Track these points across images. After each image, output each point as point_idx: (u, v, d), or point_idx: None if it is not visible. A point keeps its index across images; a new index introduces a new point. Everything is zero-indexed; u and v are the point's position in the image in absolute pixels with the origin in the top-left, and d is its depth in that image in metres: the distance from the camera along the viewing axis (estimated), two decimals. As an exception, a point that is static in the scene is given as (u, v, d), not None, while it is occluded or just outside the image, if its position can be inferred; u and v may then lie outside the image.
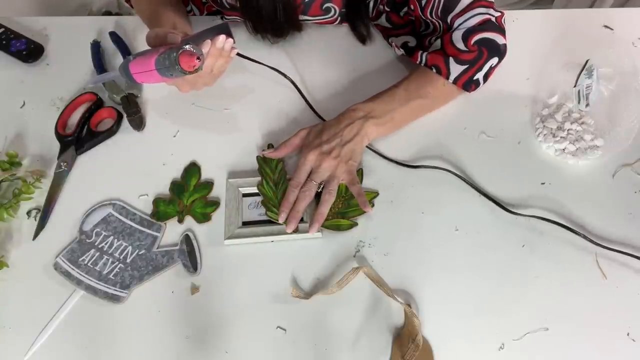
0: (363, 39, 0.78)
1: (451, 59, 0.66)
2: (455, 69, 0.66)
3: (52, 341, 0.55)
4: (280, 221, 0.61)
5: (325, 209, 0.61)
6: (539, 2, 1.61)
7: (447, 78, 0.67)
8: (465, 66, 0.66)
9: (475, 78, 0.67)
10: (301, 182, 0.62)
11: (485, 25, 0.65)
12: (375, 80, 0.73)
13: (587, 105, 0.67)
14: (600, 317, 0.56)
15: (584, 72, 0.67)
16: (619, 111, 0.70)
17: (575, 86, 0.68)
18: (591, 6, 1.44)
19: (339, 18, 0.77)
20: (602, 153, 0.67)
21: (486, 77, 0.68)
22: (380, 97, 0.67)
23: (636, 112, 0.69)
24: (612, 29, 0.80)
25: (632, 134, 0.67)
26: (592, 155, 0.66)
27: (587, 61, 0.67)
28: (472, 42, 0.65)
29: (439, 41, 0.69)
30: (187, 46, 0.53)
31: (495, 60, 0.67)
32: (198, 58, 0.54)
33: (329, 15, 0.76)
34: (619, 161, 0.67)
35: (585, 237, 0.60)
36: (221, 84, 0.75)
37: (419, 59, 0.69)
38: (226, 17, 0.79)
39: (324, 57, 0.78)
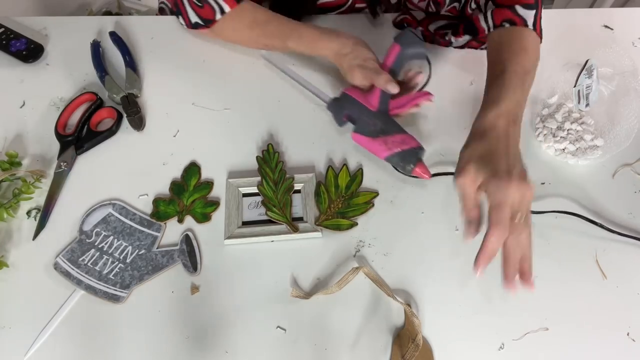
0: (374, 11, 0.78)
1: (518, 7, 0.63)
2: (528, 15, 0.63)
3: (52, 341, 0.55)
4: (478, 275, 0.50)
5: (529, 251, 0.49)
6: (539, 2, 1.61)
7: (526, 26, 0.63)
8: (534, 10, 0.63)
9: (541, 25, 0.64)
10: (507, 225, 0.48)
11: None
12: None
13: (587, 105, 0.67)
14: (600, 317, 0.56)
15: (584, 72, 0.67)
16: (619, 111, 0.70)
17: (575, 86, 0.68)
18: (591, 6, 1.44)
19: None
20: (602, 153, 0.67)
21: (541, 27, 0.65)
22: (500, 94, 0.57)
23: (636, 112, 0.69)
24: (612, 29, 0.80)
25: (632, 134, 0.67)
26: (592, 155, 0.66)
27: (587, 61, 0.67)
28: None
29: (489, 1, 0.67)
30: (421, 152, 0.62)
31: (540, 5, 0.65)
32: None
33: None
34: (619, 161, 0.67)
35: (601, 226, 0.61)
36: (221, 84, 0.75)
37: (483, 24, 0.66)
38: None
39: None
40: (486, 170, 0.50)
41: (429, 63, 0.66)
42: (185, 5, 0.70)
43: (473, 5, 0.71)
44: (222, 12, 0.69)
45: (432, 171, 0.63)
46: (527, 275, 0.48)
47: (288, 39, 0.68)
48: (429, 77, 0.69)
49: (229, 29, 0.71)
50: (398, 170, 0.64)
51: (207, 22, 0.70)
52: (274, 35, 0.70)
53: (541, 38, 0.66)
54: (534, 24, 0.64)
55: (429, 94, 0.63)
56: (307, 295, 0.57)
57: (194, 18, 0.71)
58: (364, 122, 0.63)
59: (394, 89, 0.61)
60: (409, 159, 0.61)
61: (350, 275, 0.57)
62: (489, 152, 0.51)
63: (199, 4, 0.69)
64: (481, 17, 0.68)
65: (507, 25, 0.64)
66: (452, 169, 0.65)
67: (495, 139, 0.53)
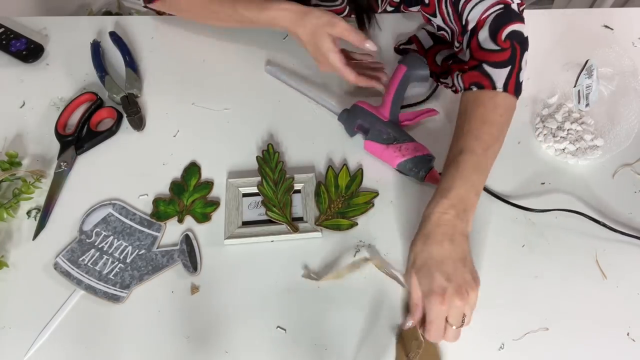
0: (361, 25, 0.75)
1: (486, 66, 0.58)
2: (498, 75, 0.58)
3: (52, 341, 0.55)
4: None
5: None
6: (539, 2, 1.61)
7: (494, 88, 0.58)
8: (508, 68, 0.58)
9: (521, 80, 0.59)
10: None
11: (504, 17, 0.60)
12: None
13: (587, 105, 0.67)
14: (600, 317, 0.56)
15: (584, 72, 0.67)
16: (619, 111, 0.70)
17: (575, 86, 0.68)
18: (591, 6, 1.44)
19: (347, 7, 0.77)
20: (602, 153, 0.67)
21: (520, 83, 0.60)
22: (452, 182, 0.55)
23: (636, 112, 0.69)
24: (612, 29, 0.80)
25: (632, 134, 0.67)
26: (592, 155, 0.66)
27: (587, 61, 0.67)
28: (503, 38, 0.59)
29: (467, 52, 0.62)
30: (433, 160, 0.64)
31: (526, 55, 0.60)
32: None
33: (337, 2, 0.75)
34: (619, 161, 0.67)
35: (603, 225, 0.61)
36: (221, 84, 0.75)
37: (456, 82, 0.63)
38: None
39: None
40: (424, 284, 0.51)
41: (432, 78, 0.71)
42: None
43: (457, 44, 0.68)
44: None
45: None
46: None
47: (237, 2, 0.67)
48: (435, 89, 0.73)
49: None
50: (409, 176, 0.65)
51: None
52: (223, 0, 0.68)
53: (518, 94, 0.60)
54: (506, 84, 0.58)
55: (434, 110, 0.70)
56: (318, 276, 0.57)
57: None
58: (377, 130, 0.65)
59: (372, 46, 0.63)
60: (422, 165, 0.63)
61: (362, 262, 0.58)
62: (431, 259, 0.52)
63: None
64: (455, 75, 0.64)
65: (474, 88, 0.59)
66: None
67: (438, 243, 0.52)
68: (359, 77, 0.66)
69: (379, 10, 0.80)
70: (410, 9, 0.83)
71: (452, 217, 0.53)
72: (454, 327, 0.50)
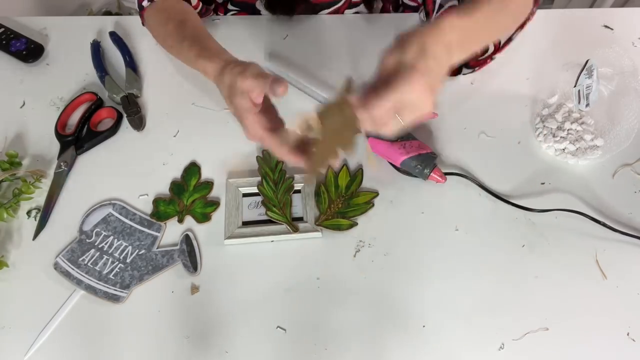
0: (370, 7, 0.75)
1: None
2: None
3: (52, 341, 0.55)
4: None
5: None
6: (539, 2, 1.61)
7: None
8: None
9: None
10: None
11: None
12: (361, 71, 0.73)
13: (587, 105, 0.67)
14: (600, 317, 0.56)
15: (584, 72, 0.67)
16: (619, 111, 0.70)
17: (575, 86, 0.68)
18: (591, 6, 1.44)
19: None
20: (602, 153, 0.67)
21: None
22: (467, 14, 0.51)
23: (636, 112, 0.69)
24: (612, 29, 0.80)
25: (632, 134, 0.67)
26: (592, 155, 0.66)
27: (587, 61, 0.67)
28: None
29: None
30: (436, 158, 0.63)
31: None
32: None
33: None
34: (619, 161, 0.67)
35: (603, 224, 0.61)
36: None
37: None
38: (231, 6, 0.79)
39: (336, 49, 0.78)
40: (407, 54, 0.46)
41: None
42: None
43: None
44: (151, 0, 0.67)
45: None
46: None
47: (185, 40, 0.61)
48: None
49: (153, 22, 0.68)
50: (412, 175, 0.65)
51: (140, 7, 0.69)
52: (176, 33, 0.63)
53: (537, 5, 0.60)
54: None
55: (434, 113, 0.69)
56: (309, 129, 0.49)
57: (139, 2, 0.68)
58: None
59: (283, 90, 0.49)
60: (426, 163, 0.63)
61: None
62: (427, 42, 0.47)
63: None
64: None
65: None
66: (452, 170, 0.66)
67: (428, 30, 0.48)
68: (290, 154, 0.52)
69: None
70: None
71: (457, 39, 0.49)
72: (401, 121, 0.45)
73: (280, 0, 0.75)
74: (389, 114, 0.45)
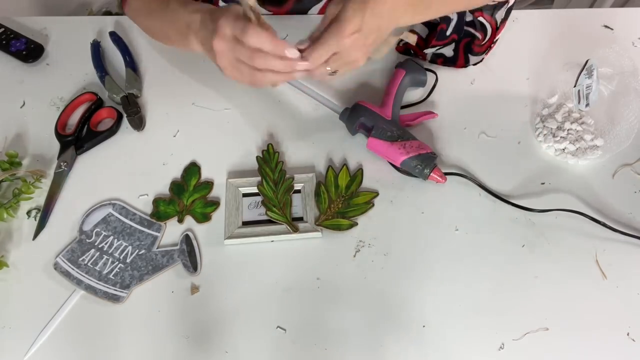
0: None
1: None
2: None
3: (52, 341, 0.55)
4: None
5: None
6: (539, 2, 1.61)
7: None
8: None
9: None
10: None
11: None
12: (359, 72, 0.75)
13: (587, 105, 0.67)
14: (600, 317, 0.56)
15: (584, 72, 0.67)
16: (619, 111, 0.70)
17: (575, 86, 0.68)
18: (591, 6, 1.44)
19: None
20: (602, 153, 0.67)
21: None
22: None
23: (636, 112, 0.69)
24: (612, 29, 0.80)
25: (632, 134, 0.67)
26: (592, 155, 0.66)
27: (587, 61, 0.67)
28: None
29: None
30: (436, 158, 0.63)
31: None
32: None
33: None
34: (619, 161, 0.67)
35: (604, 224, 0.61)
36: (221, 84, 0.75)
37: None
38: None
39: None
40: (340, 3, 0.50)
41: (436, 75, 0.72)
42: None
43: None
44: None
45: None
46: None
47: (170, 2, 0.61)
48: (431, 91, 0.73)
49: (137, 7, 0.67)
50: (412, 175, 0.65)
51: None
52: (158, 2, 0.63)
53: None
54: None
55: (434, 113, 0.70)
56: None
57: None
58: (381, 128, 0.65)
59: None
60: (426, 163, 0.63)
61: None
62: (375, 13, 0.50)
63: None
64: None
65: None
66: (452, 169, 0.66)
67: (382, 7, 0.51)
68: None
69: None
70: None
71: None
72: (329, 70, 0.50)
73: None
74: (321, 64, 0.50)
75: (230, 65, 0.52)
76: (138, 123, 0.70)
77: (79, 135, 0.69)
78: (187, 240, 0.61)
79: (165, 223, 0.63)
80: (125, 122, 0.71)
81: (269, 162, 0.66)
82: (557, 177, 0.66)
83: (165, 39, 0.65)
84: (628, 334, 0.55)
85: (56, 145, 0.68)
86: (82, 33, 0.80)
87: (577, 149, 0.67)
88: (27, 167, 0.67)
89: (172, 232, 0.62)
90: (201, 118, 0.72)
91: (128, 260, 0.60)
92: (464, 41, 0.73)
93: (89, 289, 0.58)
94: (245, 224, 0.62)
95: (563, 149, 0.67)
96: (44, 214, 0.63)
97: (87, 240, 0.61)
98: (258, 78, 0.52)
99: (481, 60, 0.75)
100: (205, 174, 0.67)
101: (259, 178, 0.65)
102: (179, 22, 0.58)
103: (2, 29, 0.79)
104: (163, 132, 0.71)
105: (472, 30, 0.71)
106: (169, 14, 0.60)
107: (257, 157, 0.67)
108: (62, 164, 0.66)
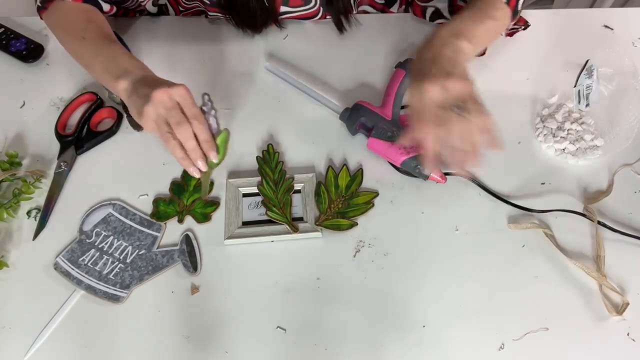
0: (340, 28, 0.77)
1: None
2: None
3: (52, 341, 0.55)
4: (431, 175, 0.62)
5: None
6: (539, 2, 1.61)
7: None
8: None
9: (518, 7, 0.64)
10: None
11: None
12: (359, 72, 0.75)
13: (587, 105, 0.67)
14: (600, 317, 0.56)
15: (584, 72, 0.67)
16: (619, 111, 0.70)
17: (575, 86, 0.68)
18: (591, 6, 1.44)
19: (321, 9, 0.77)
20: (602, 153, 0.67)
21: (518, 10, 0.65)
22: (453, 19, 0.61)
23: (636, 112, 0.69)
24: (612, 29, 0.80)
25: (632, 134, 0.67)
26: (592, 155, 0.66)
27: (587, 61, 0.67)
28: None
29: None
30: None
31: None
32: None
33: (309, 6, 0.75)
34: (619, 161, 0.67)
35: (604, 225, 0.61)
36: (221, 83, 0.75)
37: None
38: (209, 13, 0.79)
39: (336, 49, 0.78)
40: (416, 78, 0.56)
41: None
42: None
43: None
44: None
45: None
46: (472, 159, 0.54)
47: (104, 41, 0.62)
48: None
49: (60, 16, 0.66)
50: (412, 175, 0.65)
51: (44, 1, 0.66)
52: (95, 36, 0.63)
53: (515, 15, 0.65)
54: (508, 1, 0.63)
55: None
56: None
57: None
58: (381, 128, 0.65)
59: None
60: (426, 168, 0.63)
61: None
62: (423, 65, 0.56)
63: None
64: None
65: None
66: (452, 169, 0.66)
67: (430, 48, 0.57)
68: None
69: (354, 12, 0.80)
70: (391, 9, 0.83)
71: (451, 37, 0.58)
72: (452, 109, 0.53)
73: (248, 20, 0.74)
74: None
75: (154, 123, 0.55)
76: (138, 123, 0.70)
77: (79, 136, 0.69)
78: (187, 240, 0.61)
79: (165, 223, 0.63)
80: (125, 122, 0.71)
81: (269, 162, 0.66)
82: (557, 177, 0.66)
83: (89, 68, 0.64)
84: (628, 334, 0.55)
85: (56, 145, 0.68)
86: (82, 33, 0.80)
87: (577, 149, 0.67)
88: (27, 167, 0.67)
89: (172, 232, 0.62)
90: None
91: (128, 261, 0.60)
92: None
93: (89, 289, 0.58)
94: (245, 224, 0.62)
95: (563, 149, 0.67)
96: (44, 214, 0.63)
97: (87, 241, 0.61)
98: (171, 143, 0.55)
99: None
100: (205, 174, 0.67)
101: (259, 178, 0.65)
102: (117, 63, 0.60)
103: (2, 29, 0.79)
104: (163, 132, 0.70)
105: None
106: (108, 52, 0.61)
107: (257, 157, 0.67)
108: (62, 164, 0.66)
